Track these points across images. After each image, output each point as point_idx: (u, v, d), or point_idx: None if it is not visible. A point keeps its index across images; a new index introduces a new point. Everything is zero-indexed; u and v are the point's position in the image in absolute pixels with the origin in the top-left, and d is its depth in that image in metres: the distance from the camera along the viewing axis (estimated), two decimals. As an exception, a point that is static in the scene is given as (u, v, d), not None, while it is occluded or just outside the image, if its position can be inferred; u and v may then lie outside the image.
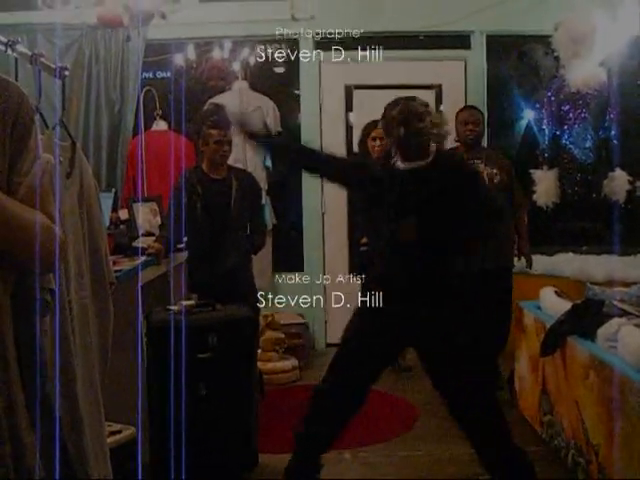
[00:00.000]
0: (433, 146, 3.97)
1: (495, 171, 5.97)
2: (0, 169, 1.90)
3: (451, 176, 3.98)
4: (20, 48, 3.00)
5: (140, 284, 4.22)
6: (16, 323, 1.96)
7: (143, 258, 4.66)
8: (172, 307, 4.52)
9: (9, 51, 2.94)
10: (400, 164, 3.96)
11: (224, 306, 4.63)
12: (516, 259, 6.26)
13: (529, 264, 6.29)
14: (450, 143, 6.47)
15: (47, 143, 2.60)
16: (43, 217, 1.91)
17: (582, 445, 4.11)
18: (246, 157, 7.14)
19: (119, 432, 3.83)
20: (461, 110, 6.36)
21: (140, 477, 3.71)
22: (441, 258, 3.92)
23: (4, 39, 2.91)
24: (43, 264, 1.92)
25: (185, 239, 5.34)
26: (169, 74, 7.44)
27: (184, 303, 4.54)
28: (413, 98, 4.01)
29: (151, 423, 4.23)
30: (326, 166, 4.23)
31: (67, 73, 3.17)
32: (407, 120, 3.90)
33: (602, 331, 4.07)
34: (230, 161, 5.58)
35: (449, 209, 3.87)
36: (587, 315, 4.35)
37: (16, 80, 2.71)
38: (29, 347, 1.99)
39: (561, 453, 4.47)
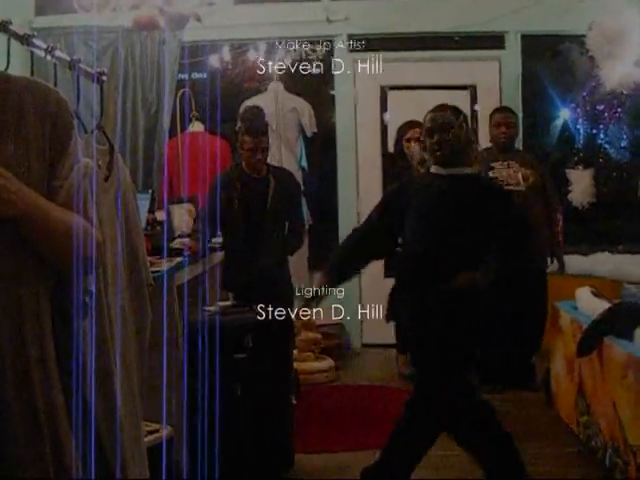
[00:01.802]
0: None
1: (529, 172, 5.95)
2: (41, 174, 1.94)
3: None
4: (59, 53, 3.04)
5: (186, 281, 4.26)
6: (55, 326, 2.00)
7: (180, 259, 4.68)
8: (208, 307, 4.54)
9: (48, 57, 2.98)
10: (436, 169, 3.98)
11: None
12: (549, 261, 6.23)
13: (562, 268, 6.25)
14: (484, 144, 6.48)
15: (86, 147, 2.64)
16: (82, 220, 1.95)
17: (620, 446, 4.09)
18: (281, 157, 7.17)
19: (156, 431, 3.86)
20: (494, 112, 6.33)
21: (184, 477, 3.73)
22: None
23: (43, 45, 2.94)
24: (82, 267, 1.96)
25: (220, 238, 5.35)
26: (205, 75, 7.48)
27: (220, 304, 4.56)
28: (451, 108, 4.02)
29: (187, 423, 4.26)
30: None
31: (105, 78, 3.20)
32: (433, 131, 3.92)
33: None
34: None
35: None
36: (624, 315, 4.34)
37: (55, 85, 2.77)
38: (68, 350, 2.02)
39: (598, 454, 4.45)
